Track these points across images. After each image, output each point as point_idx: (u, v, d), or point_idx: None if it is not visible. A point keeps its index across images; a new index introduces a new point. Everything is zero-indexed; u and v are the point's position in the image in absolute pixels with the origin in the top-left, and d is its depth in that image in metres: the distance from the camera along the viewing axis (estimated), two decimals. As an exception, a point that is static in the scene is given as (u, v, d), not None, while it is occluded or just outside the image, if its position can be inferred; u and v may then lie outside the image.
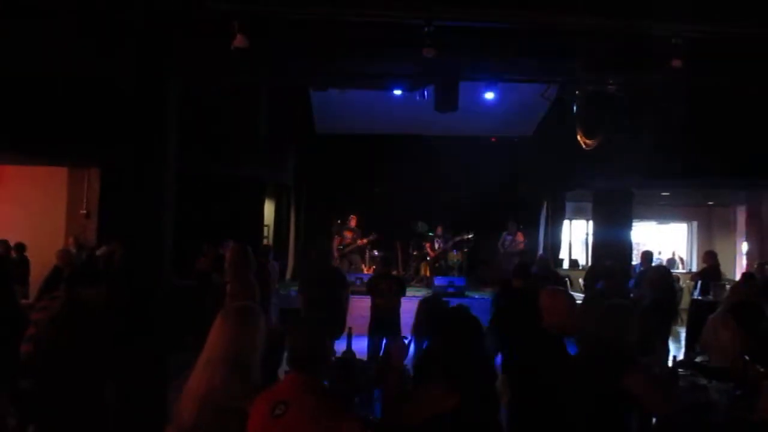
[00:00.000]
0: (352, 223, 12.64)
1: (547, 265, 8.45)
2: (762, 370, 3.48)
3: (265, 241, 12.38)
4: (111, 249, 8.37)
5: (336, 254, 12.53)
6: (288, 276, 13.53)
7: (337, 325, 5.64)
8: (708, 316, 4.42)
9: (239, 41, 5.42)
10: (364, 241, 12.49)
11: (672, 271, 10.36)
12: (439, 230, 13.12)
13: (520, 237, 12.68)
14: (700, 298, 9.67)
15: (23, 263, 9.11)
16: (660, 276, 6.11)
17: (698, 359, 4.07)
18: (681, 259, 17.69)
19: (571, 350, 3.47)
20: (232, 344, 2.62)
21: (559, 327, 3.42)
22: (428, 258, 13.13)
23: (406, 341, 3.24)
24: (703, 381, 3.65)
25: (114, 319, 3.60)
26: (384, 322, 6.86)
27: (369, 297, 7.23)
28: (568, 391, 3.07)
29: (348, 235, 12.55)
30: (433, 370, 2.96)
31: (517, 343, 4.89)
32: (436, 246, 13.10)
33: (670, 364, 4.09)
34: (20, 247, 9.20)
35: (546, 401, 3.18)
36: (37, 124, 8.68)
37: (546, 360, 3.34)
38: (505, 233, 12.67)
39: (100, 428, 3.31)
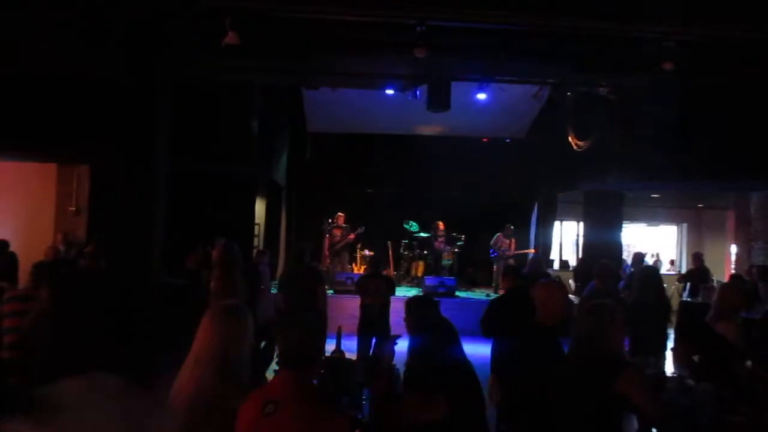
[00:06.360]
0: (340, 221, 12.66)
1: (539, 265, 8.49)
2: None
3: (255, 240, 12.37)
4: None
5: (327, 252, 12.55)
6: (279, 274, 13.53)
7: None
8: (697, 318, 4.44)
9: (230, 38, 5.40)
10: (353, 236, 12.50)
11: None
12: (442, 227, 13.13)
13: (514, 243, 12.71)
14: (689, 299, 9.75)
15: (11, 259, 9.01)
16: (647, 277, 6.13)
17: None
18: (672, 262, 17.79)
19: (566, 348, 3.48)
20: (219, 343, 2.61)
21: (554, 319, 3.42)
22: (435, 251, 13.08)
23: (398, 340, 3.23)
24: (691, 382, 3.67)
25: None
26: (373, 321, 6.87)
27: (359, 296, 7.23)
28: (561, 393, 3.07)
29: (337, 233, 12.56)
30: (422, 371, 2.96)
31: (508, 343, 4.92)
32: (438, 245, 13.12)
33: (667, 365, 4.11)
34: (3, 245, 9.07)
35: (538, 402, 3.18)
36: (27, 120, 8.61)
37: (538, 361, 3.35)
38: (500, 235, 12.66)
39: None
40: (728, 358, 3.66)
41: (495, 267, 12.68)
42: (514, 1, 5.36)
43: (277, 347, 2.55)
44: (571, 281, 12.68)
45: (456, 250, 13.10)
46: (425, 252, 13.18)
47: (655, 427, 3.40)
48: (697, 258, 11.17)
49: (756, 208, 12.77)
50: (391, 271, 12.91)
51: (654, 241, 18.59)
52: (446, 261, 12.99)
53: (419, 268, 13.19)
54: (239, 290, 4.01)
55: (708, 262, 11.32)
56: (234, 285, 4.01)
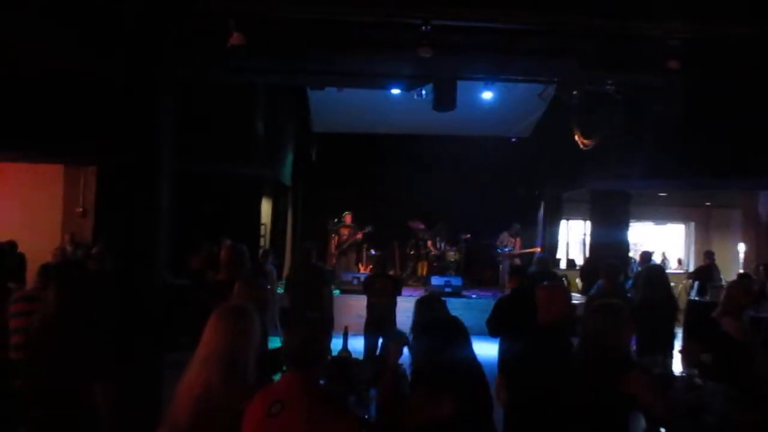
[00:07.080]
0: (347, 219, 12.67)
1: (546, 264, 8.46)
2: None
3: (261, 240, 12.39)
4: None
5: (334, 251, 12.56)
6: (285, 274, 13.53)
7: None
8: (705, 317, 4.41)
9: (235, 39, 5.41)
10: (360, 235, 12.49)
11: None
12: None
13: (519, 242, 12.69)
14: (697, 299, 9.69)
15: (19, 260, 9.04)
16: (654, 275, 6.10)
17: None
18: (679, 261, 17.70)
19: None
20: (227, 343, 2.61)
21: (557, 321, 3.41)
22: (430, 255, 13.10)
23: (405, 340, 3.22)
24: (699, 381, 3.64)
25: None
26: (379, 321, 6.88)
27: (365, 296, 7.24)
28: (568, 393, 3.05)
29: (344, 232, 12.58)
30: (428, 372, 2.95)
31: (515, 342, 4.90)
32: (438, 245, 13.10)
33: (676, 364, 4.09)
34: (11, 245, 9.10)
35: (544, 402, 3.17)
36: (34, 121, 8.65)
37: (544, 360, 3.33)
38: (505, 234, 12.63)
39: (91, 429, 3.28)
40: (736, 357, 3.63)
41: (501, 267, 12.66)
42: (519, -1, 5.36)
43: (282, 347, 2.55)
44: (578, 280, 12.64)
45: (461, 244, 13.06)
46: (430, 252, 13.18)
47: (663, 427, 3.38)
48: (707, 256, 11.12)
49: (764, 206, 12.71)
50: (397, 271, 12.91)
51: (661, 240, 18.49)
52: (449, 260, 12.95)
53: (425, 267, 13.18)
54: (264, 290, 4.00)
55: (716, 261, 11.26)
56: (253, 287, 3.95)
